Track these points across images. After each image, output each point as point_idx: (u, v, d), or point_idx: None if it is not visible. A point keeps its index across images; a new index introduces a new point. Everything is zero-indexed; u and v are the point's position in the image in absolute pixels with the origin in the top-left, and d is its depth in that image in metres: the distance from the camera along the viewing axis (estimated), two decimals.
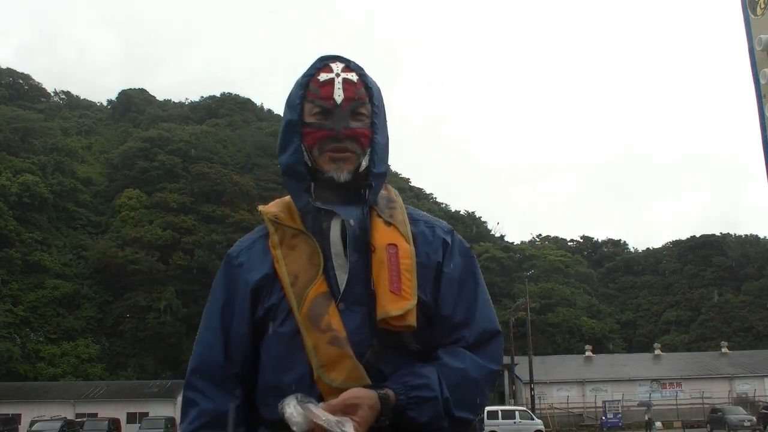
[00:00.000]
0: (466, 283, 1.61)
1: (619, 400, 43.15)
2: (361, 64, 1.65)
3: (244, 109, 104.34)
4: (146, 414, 41.71)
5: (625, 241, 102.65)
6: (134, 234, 69.51)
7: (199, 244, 69.48)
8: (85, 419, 39.23)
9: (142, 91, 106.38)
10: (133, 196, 75.96)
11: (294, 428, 1.35)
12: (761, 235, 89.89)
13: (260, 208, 1.69)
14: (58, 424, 34.61)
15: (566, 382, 46.04)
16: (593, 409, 44.12)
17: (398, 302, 1.48)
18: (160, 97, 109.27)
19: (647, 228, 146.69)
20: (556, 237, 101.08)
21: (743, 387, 46.75)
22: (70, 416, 40.56)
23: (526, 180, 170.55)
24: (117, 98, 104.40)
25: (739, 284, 79.88)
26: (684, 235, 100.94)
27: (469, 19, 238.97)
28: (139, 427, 38.52)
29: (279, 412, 1.38)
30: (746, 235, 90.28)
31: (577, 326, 71.95)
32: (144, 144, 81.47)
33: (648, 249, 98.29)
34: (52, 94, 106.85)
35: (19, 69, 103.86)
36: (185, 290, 66.31)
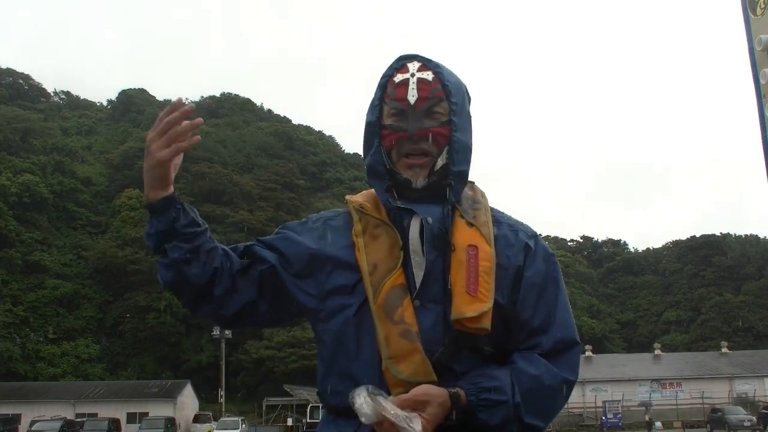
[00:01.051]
0: (547, 289, 1.60)
1: (619, 400, 43.13)
2: (440, 62, 1.64)
3: (244, 109, 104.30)
4: (146, 414, 41.72)
5: (625, 241, 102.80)
6: (134, 234, 69.44)
7: None
8: (85, 419, 39.24)
9: (142, 91, 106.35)
10: (133, 196, 75.93)
11: (362, 419, 1.35)
12: (761, 235, 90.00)
13: (347, 197, 1.70)
14: (58, 424, 34.61)
15: None
16: (593, 409, 44.06)
17: (473, 304, 1.47)
18: (160, 97, 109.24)
19: (647, 228, 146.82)
20: (556, 237, 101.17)
21: (743, 387, 46.73)
22: (70, 416, 40.55)
23: (525, 180, 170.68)
24: (117, 98, 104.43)
25: (739, 284, 79.87)
26: (684, 235, 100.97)
27: (468, 21, 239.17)
28: (139, 427, 38.54)
29: (349, 401, 1.38)
30: (746, 235, 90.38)
31: (577, 326, 71.78)
32: (144, 144, 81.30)
33: (648, 249, 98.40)
34: (52, 94, 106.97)
35: (19, 69, 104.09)
36: None
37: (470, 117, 1.66)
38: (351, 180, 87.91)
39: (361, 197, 1.67)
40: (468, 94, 1.68)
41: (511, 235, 1.61)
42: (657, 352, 53.46)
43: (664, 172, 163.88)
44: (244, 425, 40.58)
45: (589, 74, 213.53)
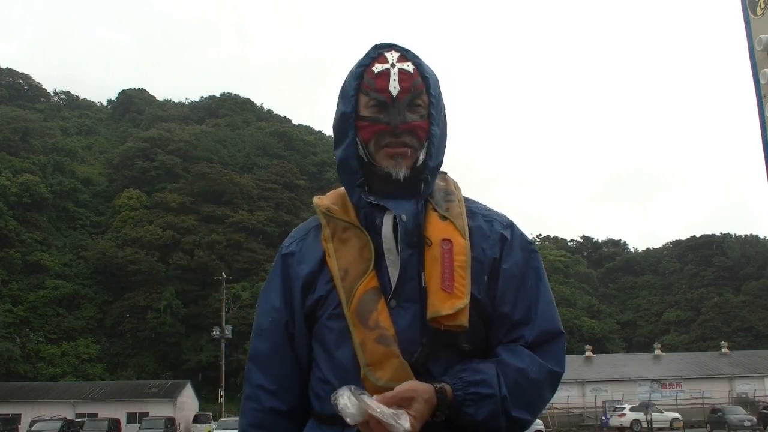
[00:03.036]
0: (527, 280, 1.53)
1: (620, 400, 43.09)
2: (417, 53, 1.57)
3: (244, 109, 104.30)
4: (146, 414, 41.65)
5: (625, 241, 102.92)
6: (134, 234, 69.48)
7: (199, 244, 69.45)
8: (85, 419, 39.14)
9: (142, 91, 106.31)
10: (133, 196, 75.93)
11: (348, 419, 1.30)
12: (761, 235, 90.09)
13: (314, 200, 1.62)
14: (58, 424, 34.50)
15: (566, 382, 45.87)
16: (593, 409, 44.04)
17: (450, 300, 1.42)
18: (160, 97, 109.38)
19: (647, 228, 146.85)
20: (556, 237, 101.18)
21: (743, 387, 46.70)
22: (70, 416, 40.47)
23: (526, 180, 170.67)
24: (117, 98, 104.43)
25: (739, 284, 79.87)
26: (684, 235, 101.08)
27: (475, 23, 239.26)
28: (139, 427, 38.47)
29: (332, 403, 1.33)
30: (746, 235, 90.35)
31: (577, 326, 71.94)
32: (144, 144, 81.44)
33: (648, 249, 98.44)
34: (52, 94, 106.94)
35: (19, 69, 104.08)
36: (185, 290, 66.29)
37: (445, 109, 1.60)
38: None
39: (329, 199, 1.61)
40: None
41: (485, 227, 1.56)
42: (657, 352, 53.43)
43: (664, 171, 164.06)
44: None
45: (590, 75, 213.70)
